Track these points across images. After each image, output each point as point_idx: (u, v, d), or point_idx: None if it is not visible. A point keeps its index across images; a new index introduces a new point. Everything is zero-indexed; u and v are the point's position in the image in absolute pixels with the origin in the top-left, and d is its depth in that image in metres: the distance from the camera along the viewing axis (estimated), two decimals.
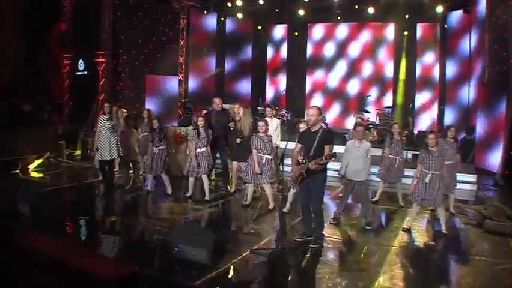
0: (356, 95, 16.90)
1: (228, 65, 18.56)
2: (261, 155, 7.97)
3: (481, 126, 11.92)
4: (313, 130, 6.26)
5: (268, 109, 10.01)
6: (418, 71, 15.49)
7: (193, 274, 5.28)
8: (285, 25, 18.50)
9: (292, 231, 6.99)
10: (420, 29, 15.49)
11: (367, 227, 7.33)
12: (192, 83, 17.40)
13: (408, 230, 7.20)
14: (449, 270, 5.98)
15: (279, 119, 10.99)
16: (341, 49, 17.29)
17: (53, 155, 12.20)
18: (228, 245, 6.37)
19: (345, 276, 5.45)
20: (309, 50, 17.97)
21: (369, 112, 15.31)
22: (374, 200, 8.93)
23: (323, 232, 6.52)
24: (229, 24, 18.37)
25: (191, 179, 8.80)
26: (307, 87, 18.11)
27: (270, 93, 19.05)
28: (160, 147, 8.99)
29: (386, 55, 16.38)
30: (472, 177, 10.56)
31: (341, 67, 17.31)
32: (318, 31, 17.81)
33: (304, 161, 6.14)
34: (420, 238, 7.02)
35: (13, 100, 13.44)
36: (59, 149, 12.35)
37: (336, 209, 7.68)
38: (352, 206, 8.66)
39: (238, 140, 8.70)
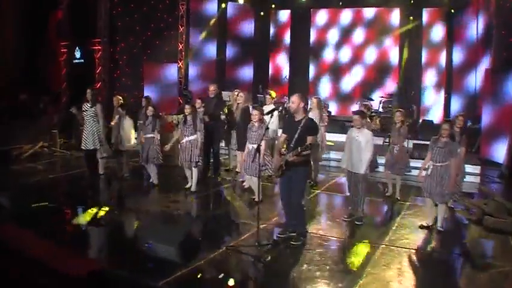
0: (360, 82, 16.41)
1: (230, 52, 18.15)
2: (249, 144, 7.65)
3: (487, 115, 11.44)
4: (296, 119, 5.89)
5: (268, 96, 9.67)
6: (424, 58, 14.94)
7: (160, 273, 5.02)
8: (288, 10, 18.00)
9: (277, 227, 6.64)
10: (426, 14, 14.93)
11: (357, 223, 6.93)
12: (192, 70, 17.06)
13: (426, 228, 6.76)
14: (439, 272, 5.50)
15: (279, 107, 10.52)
16: (345, 35, 16.78)
17: (47, 144, 12.00)
18: (205, 240, 6.10)
19: (324, 277, 5.09)
20: (313, 36, 17.47)
21: (372, 100, 14.86)
22: (391, 195, 8.53)
23: (306, 229, 6.17)
24: (230, 10, 17.92)
25: (186, 171, 8.56)
26: (311, 74, 17.65)
27: (272, 80, 18.60)
28: (149, 136, 8.72)
29: (390, 41, 15.84)
30: (475, 169, 10.13)
31: (345, 53, 16.81)
32: (321, 17, 17.30)
33: (284, 151, 5.79)
34: (413, 236, 6.57)
35: (9, 90, 13.25)
36: (53, 138, 12.15)
37: (351, 205, 7.24)
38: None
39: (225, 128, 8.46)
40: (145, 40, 15.31)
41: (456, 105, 13.82)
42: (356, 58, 16.58)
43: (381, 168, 9.03)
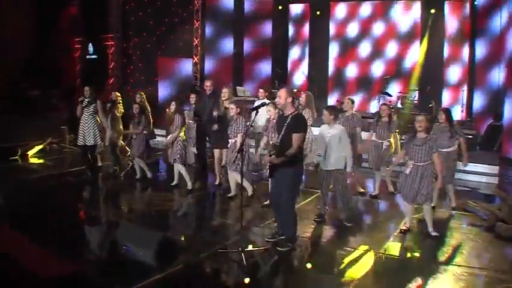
0: (380, 77, 15.81)
1: (247, 46, 17.80)
2: (231, 139, 7.54)
3: (510, 112, 10.79)
4: (284, 115, 5.53)
5: (260, 91, 9.36)
6: (446, 52, 14.24)
7: (132, 277, 4.75)
8: (307, 4, 17.50)
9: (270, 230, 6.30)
10: (448, 7, 14.20)
11: (346, 224, 6.58)
12: (208, 65, 16.82)
13: (405, 232, 6.33)
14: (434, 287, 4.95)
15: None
16: (365, 29, 16.18)
17: (56, 141, 12.00)
18: (186, 244, 5.84)
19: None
20: (332, 30, 16.94)
21: (391, 95, 14.29)
22: (373, 194, 8.17)
23: (296, 233, 5.77)
24: (247, 4, 17.55)
25: (174, 167, 8.42)
26: (330, 69, 17.13)
27: (292, 75, 18.17)
28: (138, 132, 8.66)
29: (411, 35, 15.17)
30: (492, 169, 9.55)
31: (365, 48, 16.23)
32: (340, 10, 16.75)
33: (272, 151, 5.45)
34: (407, 242, 6.10)
35: (21, 86, 13.33)
36: (62, 134, 12.13)
37: (319, 204, 6.93)
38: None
39: (215, 127, 8.15)
40: (159, 35, 15.15)
41: (479, 100, 13.11)
42: (376, 52, 15.97)
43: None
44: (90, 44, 14.46)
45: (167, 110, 9.38)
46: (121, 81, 13.54)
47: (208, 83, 8.95)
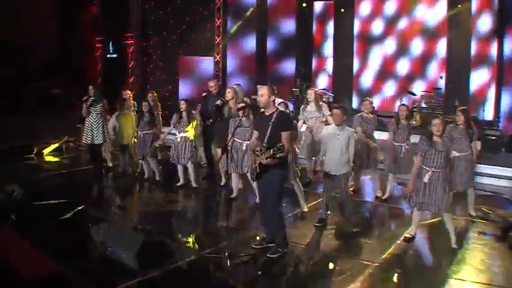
0: (405, 75, 15.26)
1: (270, 44, 17.54)
2: (241, 141, 7.16)
3: None
4: (267, 114, 5.29)
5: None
6: (473, 49, 13.55)
7: (113, 279, 4.70)
8: (331, 1, 17.07)
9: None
10: (475, 2, 13.50)
11: (355, 230, 6.23)
12: (231, 64, 16.67)
13: (410, 240, 5.96)
14: None
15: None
16: (390, 26, 15.65)
17: (72, 139, 12.09)
18: (174, 247, 5.67)
19: None
20: (357, 27, 16.48)
21: (415, 94, 13.77)
22: (383, 197, 7.79)
23: (286, 239, 5.52)
24: (270, 1, 17.27)
25: (179, 167, 8.28)
26: (355, 67, 16.67)
27: (316, 74, 17.79)
28: (146, 132, 8.51)
29: (437, 32, 14.55)
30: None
31: (390, 45, 15.70)
32: (365, 7, 16.27)
33: (258, 152, 5.20)
34: (417, 252, 5.73)
35: (41, 84, 13.53)
36: (78, 133, 12.20)
37: (320, 209, 6.62)
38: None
39: (208, 122, 8.00)
40: (180, 34, 15.10)
41: (508, 100, 12.44)
42: (401, 50, 15.42)
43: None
44: (110, 43, 14.55)
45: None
46: (141, 80, 13.53)
47: (212, 83, 8.78)
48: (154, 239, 5.85)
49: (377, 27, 15.95)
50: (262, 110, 5.37)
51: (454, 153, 6.74)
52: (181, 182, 8.38)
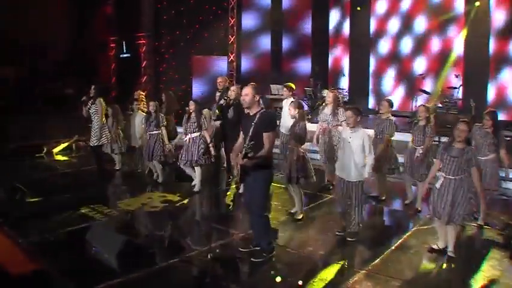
0: (421, 74, 14.78)
1: (286, 43, 17.35)
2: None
3: None
4: (251, 114, 5.14)
5: (284, 89, 8.92)
6: (491, 47, 13.07)
7: (93, 278, 4.69)
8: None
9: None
10: None
11: (349, 239, 5.94)
12: (245, 63, 16.55)
13: (434, 251, 5.59)
14: None
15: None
16: (406, 24, 15.27)
17: (83, 138, 12.18)
18: (160, 248, 5.62)
19: None
20: (373, 25, 16.14)
21: (429, 93, 13.39)
22: (406, 202, 7.47)
23: (272, 243, 5.37)
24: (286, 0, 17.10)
25: (186, 169, 8.17)
26: (371, 66, 16.34)
27: (333, 73, 17.50)
28: (153, 133, 8.41)
29: (455, 30, 14.11)
30: None
31: (406, 43, 15.33)
32: (381, 5, 15.92)
33: (240, 154, 5.07)
34: (412, 261, 5.41)
35: (54, 84, 13.68)
36: (89, 132, 12.29)
37: (339, 217, 6.29)
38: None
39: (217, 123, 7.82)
40: (193, 33, 15.04)
41: None
42: (418, 48, 15.03)
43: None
44: (123, 42, 14.63)
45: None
46: (154, 80, 13.56)
47: (219, 79, 8.68)
48: (140, 240, 5.81)
49: (393, 25, 15.60)
50: (247, 110, 5.23)
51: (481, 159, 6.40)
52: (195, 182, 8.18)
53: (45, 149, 11.22)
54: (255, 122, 4.99)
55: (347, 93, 15.91)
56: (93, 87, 8.82)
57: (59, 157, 11.16)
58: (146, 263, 5.12)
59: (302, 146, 6.64)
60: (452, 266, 5.28)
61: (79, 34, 14.45)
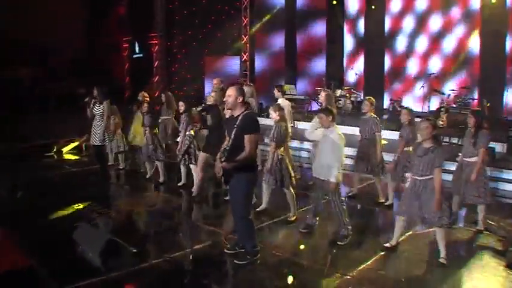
0: (438, 74, 14.53)
1: (300, 43, 17.23)
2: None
3: None
4: (234, 116, 5.06)
5: (275, 90, 8.86)
6: (508, 46, 12.67)
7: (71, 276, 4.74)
8: None
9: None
10: None
11: (339, 243, 5.80)
12: (259, 63, 16.51)
13: (391, 250, 5.56)
14: None
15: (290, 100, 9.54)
16: (421, 23, 14.96)
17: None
18: (142, 248, 5.60)
19: None
20: (387, 24, 15.86)
21: (443, 93, 13.09)
22: (386, 203, 7.35)
23: (256, 246, 5.27)
24: None
25: (182, 168, 8.18)
26: (386, 66, 16.06)
27: (347, 72, 17.28)
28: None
29: (470, 28, 13.75)
30: None
31: (422, 42, 15.02)
32: (396, 3, 15.64)
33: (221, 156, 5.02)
34: (398, 266, 5.26)
35: (68, 84, 13.90)
36: None
37: (308, 214, 6.33)
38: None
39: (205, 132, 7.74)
40: (205, 33, 15.10)
41: None
42: (433, 47, 14.72)
43: None
44: (136, 43, 14.77)
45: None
46: (166, 80, 13.65)
47: (215, 81, 8.63)
48: (128, 239, 5.82)
49: (408, 24, 15.31)
50: (230, 112, 5.17)
51: (464, 160, 6.32)
52: (183, 181, 8.28)
53: (54, 148, 11.35)
54: (237, 124, 4.93)
55: (360, 93, 15.68)
56: (96, 88, 8.85)
57: (69, 156, 11.28)
58: (129, 262, 5.15)
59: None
60: (443, 273, 5.09)
61: (92, 34, 14.65)
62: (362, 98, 15.48)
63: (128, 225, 6.70)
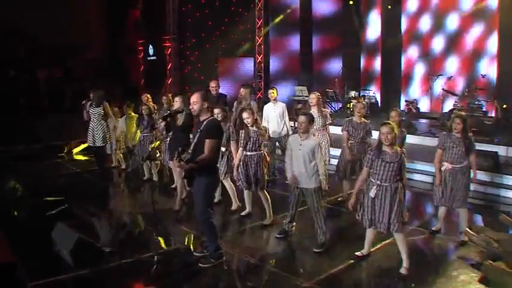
0: (455, 74, 14.18)
1: (316, 44, 17.15)
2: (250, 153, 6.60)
3: None
4: (201, 120, 5.18)
5: (270, 91, 8.88)
6: None
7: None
8: None
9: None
10: None
11: (315, 250, 5.70)
12: (274, 65, 16.54)
13: (360, 258, 5.45)
14: None
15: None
16: (438, 22, 14.64)
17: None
18: (115, 248, 5.75)
19: None
20: (404, 24, 15.58)
21: (457, 94, 12.80)
22: None
23: (220, 248, 5.34)
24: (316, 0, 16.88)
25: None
26: (403, 66, 15.78)
27: (365, 74, 17.07)
28: (145, 134, 8.74)
29: (488, 26, 13.35)
30: None
31: (438, 42, 14.69)
32: (412, 3, 15.35)
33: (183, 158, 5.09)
34: (361, 275, 5.20)
35: (85, 86, 14.25)
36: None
37: (285, 220, 6.29)
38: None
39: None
40: (219, 35, 15.24)
41: None
42: (450, 47, 14.37)
43: None
44: (150, 45, 15.06)
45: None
46: (179, 82, 13.89)
47: (213, 83, 8.69)
48: (103, 239, 6.02)
49: (425, 23, 15.00)
50: (196, 117, 5.28)
51: (446, 165, 6.14)
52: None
53: (66, 149, 11.72)
54: (201, 128, 5.04)
55: (374, 95, 15.49)
56: (92, 91, 9.10)
57: (79, 157, 11.62)
58: (98, 261, 5.32)
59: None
60: (403, 286, 4.94)
61: (110, 37, 15.03)
62: (376, 99, 15.34)
63: (109, 225, 6.87)
